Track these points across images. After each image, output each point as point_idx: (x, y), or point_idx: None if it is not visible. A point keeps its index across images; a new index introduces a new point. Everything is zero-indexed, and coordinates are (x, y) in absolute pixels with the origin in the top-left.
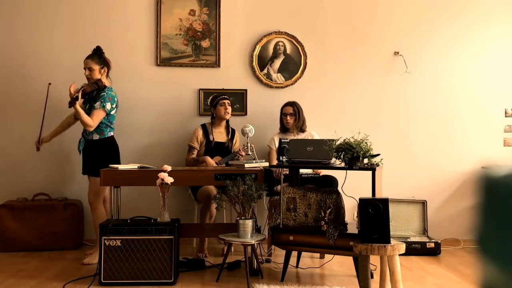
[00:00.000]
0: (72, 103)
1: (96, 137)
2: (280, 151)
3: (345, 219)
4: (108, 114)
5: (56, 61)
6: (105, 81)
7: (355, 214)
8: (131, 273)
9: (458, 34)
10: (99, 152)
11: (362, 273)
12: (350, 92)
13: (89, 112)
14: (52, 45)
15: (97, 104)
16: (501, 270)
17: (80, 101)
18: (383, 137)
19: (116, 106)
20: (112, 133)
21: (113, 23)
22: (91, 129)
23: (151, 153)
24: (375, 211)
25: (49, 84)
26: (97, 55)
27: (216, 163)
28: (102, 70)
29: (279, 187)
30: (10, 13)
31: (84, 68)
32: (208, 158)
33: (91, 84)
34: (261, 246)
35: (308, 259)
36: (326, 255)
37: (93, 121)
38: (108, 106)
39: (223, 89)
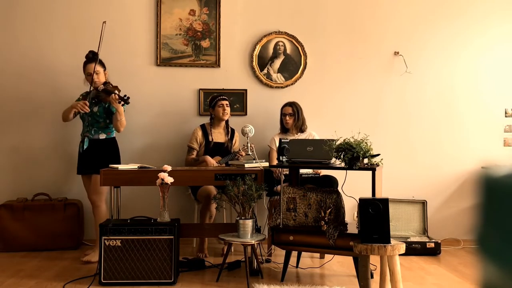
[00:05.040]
0: (126, 102)
1: (102, 136)
2: (280, 151)
3: (345, 219)
4: None
5: (57, 62)
6: None
7: (355, 214)
8: (131, 273)
9: (458, 34)
10: (104, 152)
11: (362, 273)
12: (350, 92)
13: (102, 114)
14: (52, 46)
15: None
16: (501, 270)
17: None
18: (383, 137)
19: None
20: (115, 134)
21: (113, 23)
22: (123, 130)
23: (151, 153)
24: (375, 211)
25: (104, 22)
26: (96, 59)
27: (216, 163)
28: (105, 72)
29: (279, 187)
30: (9, 14)
31: (89, 74)
32: (208, 158)
33: (108, 86)
34: (261, 246)
35: (308, 259)
36: (326, 255)
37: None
38: (125, 107)
39: (223, 89)
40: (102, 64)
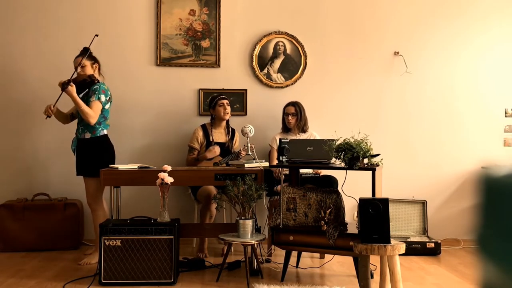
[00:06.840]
0: (66, 85)
1: (88, 135)
2: (280, 151)
3: (345, 219)
4: (102, 108)
5: (57, 62)
6: (98, 77)
7: (355, 214)
8: (131, 273)
9: (458, 34)
10: (92, 152)
11: (362, 273)
12: (350, 92)
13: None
14: (52, 46)
15: (92, 97)
16: (501, 270)
17: (73, 88)
18: (383, 137)
19: (110, 101)
20: (105, 132)
21: (113, 23)
22: (93, 121)
23: (151, 153)
24: (375, 211)
25: (96, 35)
26: (86, 53)
27: (216, 163)
28: (94, 66)
29: (279, 187)
30: (10, 14)
31: (75, 68)
32: (209, 150)
33: (83, 75)
34: (261, 246)
35: (308, 259)
36: (326, 255)
37: (93, 111)
38: (103, 98)
39: (223, 89)
40: (90, 57)
